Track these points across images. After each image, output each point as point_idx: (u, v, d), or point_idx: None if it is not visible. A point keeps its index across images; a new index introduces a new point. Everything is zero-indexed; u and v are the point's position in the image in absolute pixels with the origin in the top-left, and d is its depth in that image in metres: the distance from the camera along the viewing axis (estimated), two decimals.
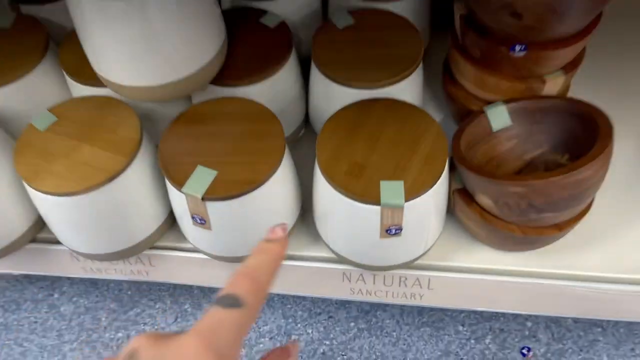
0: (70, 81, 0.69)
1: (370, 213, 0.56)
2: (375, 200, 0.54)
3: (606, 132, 0.55)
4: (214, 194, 0.56)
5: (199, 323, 0.27)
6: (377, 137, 0.59)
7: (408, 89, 0.65)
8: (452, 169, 0.65)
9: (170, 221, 0.70)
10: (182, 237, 0.68)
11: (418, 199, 0.55)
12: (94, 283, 0.91)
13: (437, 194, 0.57)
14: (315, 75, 0.68)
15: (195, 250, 0.69)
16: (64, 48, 0.69)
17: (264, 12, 0.72)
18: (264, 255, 0.31)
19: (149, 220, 0.66)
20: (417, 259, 0.64)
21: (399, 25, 0.69)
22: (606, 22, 0.61)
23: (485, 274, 0.66)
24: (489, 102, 0.65)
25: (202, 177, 0.57)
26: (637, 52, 0.85)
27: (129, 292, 0.90)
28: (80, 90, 0.68)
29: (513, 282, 0.65)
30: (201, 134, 0.61)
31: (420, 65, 0.67)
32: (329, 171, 0.56)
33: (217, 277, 0.72)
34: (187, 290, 0.89)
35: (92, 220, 0.61)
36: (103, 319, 0.88)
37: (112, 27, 0.54)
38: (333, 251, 0.65)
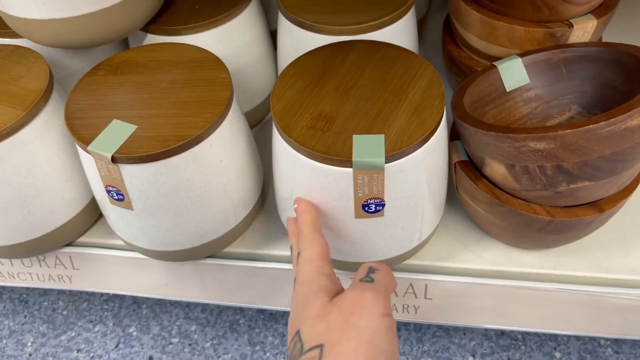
0: None
1: (340, 179, 0.40)
2: (346, 159, 0.39)
3: None
4: (128, 153, 0.41)
5: (378, 280, 0.33)
6: (352, 83, 0.44)
7: (396, 37, 0.51)
8: (453, 137, 0.50)
9: (97, 210, 0.55)
10: (111, 231, 0.53)
11: (404, 160, 0.40)
12: (23, 301, 0.75)
13: (432, 156, 0.42)
14: (282, 24, 0.54)
15: (127, 247, 0.54)
16: None
17: None
18: None
19: (63, 204, 0.51)
20: (408, 254, 0.48)
21: None
22: None
23: (499, 279, 0.50)
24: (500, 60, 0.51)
25: (117, 133, 0.43)
26: None
27: (64, 312, 0.74)
28: None
29: (535, 288, 0.49)
30: (124, 83, 0.47)
31: (412, 10, 0.53)
32: (284, 124, 0.42)
33: (157, 283, 0.57)
34: (134, 310, 0.73)
35: None
36: (29, 344, 0.71)
37: None
38: None
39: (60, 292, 0.75)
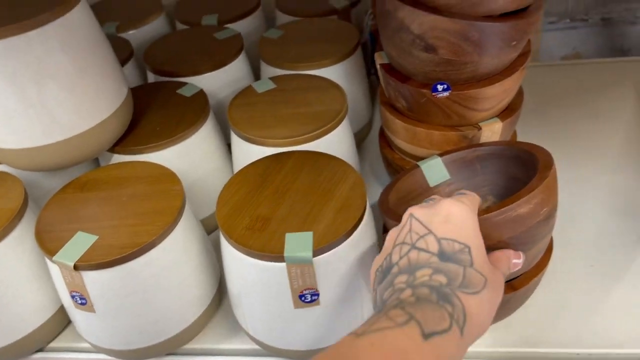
0: None
1: (277, 273, 0.46)
2: (279, 255, 0.45)
3: (545, 164, 0.47)
4: (89, 261, 0.47)
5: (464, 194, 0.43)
6: (287, 188, 0.51)
7: (332, 146, 0.59)
8: (386, 230, 0.56)
9: (66, 317, 0.59)
10: (80, 336, 0.57)
11: (331, 252, 0.46)
12: None
13: (360, 247, 0.48)
14: (234, 139, 0.62)
15: (95, 350, 0.57)
16: None
17: (183, 84, 0.68)
18: None
19: (33, 312, 0.55)
20: None
21: (321, 86, 0.64)
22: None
23: None
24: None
25: (80, 244, 0.48)
26: (582, 103, 0.80)
27: None
28: None
29: None
30: (89, 199, 0.53)
31: (345, 122, 0.61)
32: (227, 227, 0.48)
33: None
34: None
35: None
36: None
37: None
38: (253, 338, 0.54)
39: None
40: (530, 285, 0.50)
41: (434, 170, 0.56)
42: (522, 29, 0.51)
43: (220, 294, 0.60)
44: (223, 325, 0.59)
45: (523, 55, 0.56)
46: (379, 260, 0.41)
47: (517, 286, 0.49)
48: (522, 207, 0.43)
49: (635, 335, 0.52)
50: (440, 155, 0.57)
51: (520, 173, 0.52)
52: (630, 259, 0.59)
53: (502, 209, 0.43)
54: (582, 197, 0.66)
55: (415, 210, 0.40)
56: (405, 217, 0.41)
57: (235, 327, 0.58)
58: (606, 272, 0.58)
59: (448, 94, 0.54)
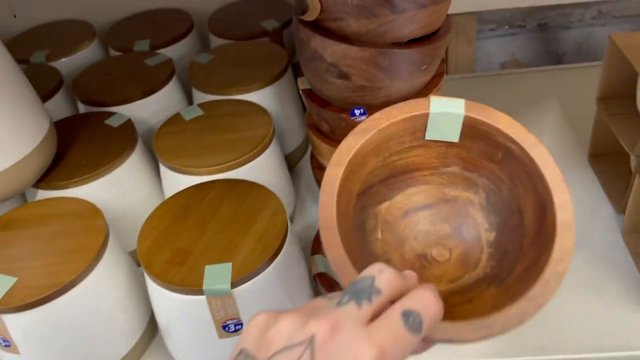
0: None
1: (198, 306, 0.46)
2: (199, 288, 0.45)
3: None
4: (8, 304, 0.46)
5: (380, 329, 0.25)
6: (208, 219, 0.52)
7: (257, 172, 0.60)
8: (314, 252, 0.57)
9: None
10: None
11: (252, 282, 0.46)
12: None
13: (283, 273, 0.49)
14: (162, 169, 0.62)
15: None
16: None
17: (111, 114, 0.68)
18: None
19: None
20: None
21: (249, 111, 0.65)
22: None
23: None
24: None
25: None
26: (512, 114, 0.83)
27: None
28: None
29: None
30: (9, 238, 0.53)
31: (272, 147, 0.62)
32: (147, 261, 0.48)
33: None
34: None
35: None
36: None
37: None
38: None
39: None
40: None
41: (446, 118, 0.39)
42: (431, 54, 0.53)
43: (153, 324, 0.60)
44: (157, 356, 0.59)
45: (437, 77, 0.58)
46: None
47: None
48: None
49: (556, 340, 0.54)
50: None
51: (527, 204, 0.39)
52: None
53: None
54: None
55: (251, 343, 0.26)
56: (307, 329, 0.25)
57: (169, 358, 0.58)
58: None
59: (365, 118, 0.56)
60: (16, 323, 0.48)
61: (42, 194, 0.60)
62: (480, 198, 0.41)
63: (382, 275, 0.27)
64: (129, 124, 0.66)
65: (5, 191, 0.55)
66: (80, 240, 0.51)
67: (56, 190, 0.60)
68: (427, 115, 0.39)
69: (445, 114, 0.39)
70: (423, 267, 0.39)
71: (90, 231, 0.52)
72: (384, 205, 0.41)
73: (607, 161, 0.70)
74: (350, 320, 0.25)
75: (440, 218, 0.41)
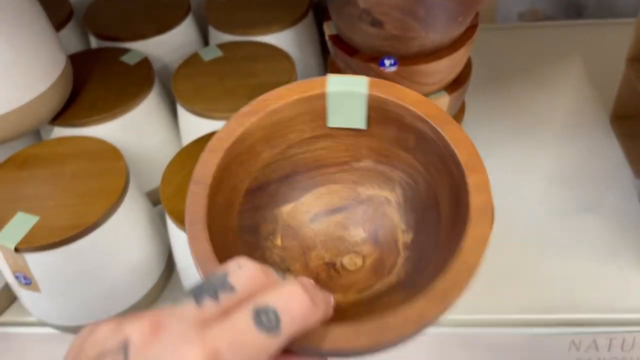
0: None
1: None
2: None
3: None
4: (30, 243, 0.46)
5: (218, 328, 0.21)
6: None
7: None
8: None
9: (12, 291, 0.58)
10: (27, 310, 0.57)
11: None
12: None
13: None
14: (180, 111, 0.61)
15: (42, 324, 0.57)
16: None
17: (126, 51, 0.65)
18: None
19: None
20: None
21: (270, 55, 0.63)
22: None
23: None
24: None
25: (20, 225, 0.47)
26: (531, 70, 0.82)
27: None
28: None
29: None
30: (29, 177, 0.52)
31: None
32: (171, 207, 0.48)
33: None
34: None
35: None
36: None
37: None
38: None
39: None
40: None
41: (348, 98, 0.34)
42: (468, 5, 0.51)
43: (171, 264, 0.60)
44: (175, 297, 0.59)
45: (470, 29, 0.56)
46: None
47: None
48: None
49: (566, 300, 0.55)
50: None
51: (443, 193, 0.34)
52: (567, 228, 0.62)
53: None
54: (525, 167, 0.69)
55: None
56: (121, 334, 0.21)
57: None
58: (544, 241, 0.61)
59: (395, 69, 0.54)
60: (37, 262, 0.47)
61: (58, 132, 0.59)
62: (397, 196, 0.35)
63: (240, 272, 0.23)
64: (145, 63, 0.64)
65: (22, 127, 0.54)
66: (101, 181, 0.50)
67: (72, 128, 0.58)
68: (324, 95, 0.33)
69: (346, 93, 0.33)
70: (330, 278, 0.34)
71: (111, 173, 0.51)
72: (286, 208, 0.36)
73: (630, 124, 0.69)
74: (177, 320, 0.21)
75: (354, 222, 0.36)
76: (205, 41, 0.76)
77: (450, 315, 0.53)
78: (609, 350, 0.54)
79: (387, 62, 0.54)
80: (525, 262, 0.59)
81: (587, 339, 0.54)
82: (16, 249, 0.46)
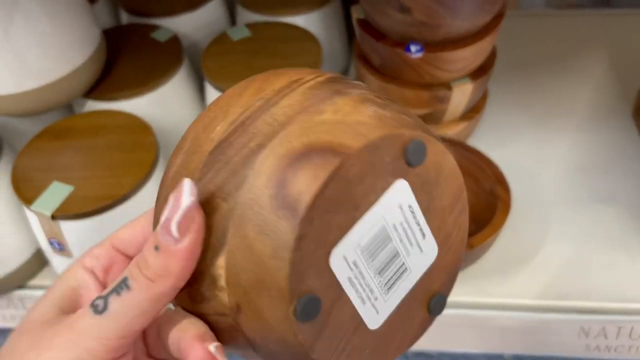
0: None
1: None
2: None
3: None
4: (66, 211, 0.48)
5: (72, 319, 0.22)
6: None
7: None
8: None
9: (44, 257, 0.61)
10: (58, 275, 0.60)
11: None
12: None
13: None
14: (208, 89, 0.62)
15: None
16: None
17: (157, 28, 0.67)
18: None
19: (12, 253, 0.57)
20: None
21: (297, 37, 0.64)
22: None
23: None
24: None
25: (56, 194, 0.50)
26: (555, 58, 0.82)
27: None
28: None
29: None
30: (64, 147, 0.54)
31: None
32: None
33: None
34: None
35: None
36: None
37: None
38: None
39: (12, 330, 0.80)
40: (486, 243, 0.53)
41: None
42: None
43: None
44: None
45: (497, 17, 0.57)
46: None
47: (473, 244, 0.52)
48: None
49: (578, 288, 0.57)
50: None
51: None
52: (583, 217, 0.63)
53: None
54: (545, 156, 0.69)
55: None
56: None
57: None
58: (560, 230, 0.62)
59: (421, 55, 0.55)
60: (71, 229, 0.50)
61: (90, 105, 0.61)
62: None
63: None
64: (175, 40, 0.65)
65: (58, 99, 0.56)
66: (132, 154, 0.52)
67: (103, 101, 0.60)
68: None
69: None
70: None
71: (142, 147, 0.53)
72: None
73: None
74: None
75: None
76: (232, 20, 0.77)
77: (463, 297, 0.54)
78: (617, 337, 0.56)
79: (413, 48, 0.55)
80: (540, 249, 0.60)
81: (596, 326, 0.56)
82: (52, 216, 0.48)
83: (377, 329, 0.24)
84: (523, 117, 0.74)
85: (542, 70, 0.81)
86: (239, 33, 0.65)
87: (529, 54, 0.84)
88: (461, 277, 0.58)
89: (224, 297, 0.21)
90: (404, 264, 0.24)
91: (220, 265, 0.21)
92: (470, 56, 0.56)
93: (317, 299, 0.21)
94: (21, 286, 0.62)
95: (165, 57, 0.63)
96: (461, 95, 0.59)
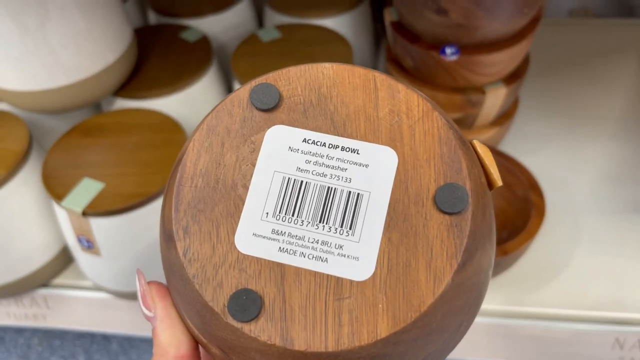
0: None
1: None
2: None
3: None
4: (96, 208, 0.48)
5: None
6: None
7: None
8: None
9: (69, 255, 0.61)
10: (82, 274, 0.59)
11: None
12: (0, 338, 0.80)
13: None
14: (235, 87, 0.62)
15: (97, 288, 0.59)
16: None
17: (186, 28, 0.67)
18: None
19: (38, 250, 0.57)
20: None
21: (328, 39, 0.64)
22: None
23: None
24: None
25: (87, 191, 0.49)
26: (584, 66, 0.81)
27: (39, 349, 0.79)
28: None
29: None
30: (94, 145, 0.53)
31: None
32: None
33: (124, 320, 0.62)
34: (104, 346, 0.78)
35: None
36: None
37: None
38: None
39: (35, 329, 0.80)
40: (520, 250, 0.52)
41: None
42: None
43: None
44: None
45: (533, 22, 0.56)
46: None
47: (508, 250, 0.51)
48: None
49: (613, 298, 0.55)
50: None
51: None
52: (618, 226, 0.62)
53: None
54: (577, 163, 0.68)
55: None
56: None
57: None
58: (593, 238, 0.61)
59: (456, 58, 0.54)
60: (102, 226, 0.49)
61: (120, 103, 0.60)
62: None
63: None
64: (204, 40, 0.65)
65: (89, 97, 0.55)
66: (161, 152, 0.52)
67: (134, 100, 0.60)
68: None
69: None
70: None
71: (171, 145, 0.52)
72: None
73: None
74: None
75: None
76: (260, 21, 0.76)
77: (494, 305, 0.53)
78: None
79: (448, 50, 0.54)
80: (573, 258, 0.59)
81: (631, 338, 0.54)
82: (83, 213, 0.48)
83: (373, 274, 0.20)
84: (553, 124, 0.73)
85: (571, 78, 0.80)
86: (269, 34, 0.65)
87: (557, 61, 0.83)
88: (491, 285, 0.57)
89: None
90: (350, 192, 0.21)
91: None
92: (505, 60, 0.55)
93: (246, 292, 0.19)
94: (45, 284, 0.61)
95: (194, 57, 0.62)
96: (494, 99, 0.59)
